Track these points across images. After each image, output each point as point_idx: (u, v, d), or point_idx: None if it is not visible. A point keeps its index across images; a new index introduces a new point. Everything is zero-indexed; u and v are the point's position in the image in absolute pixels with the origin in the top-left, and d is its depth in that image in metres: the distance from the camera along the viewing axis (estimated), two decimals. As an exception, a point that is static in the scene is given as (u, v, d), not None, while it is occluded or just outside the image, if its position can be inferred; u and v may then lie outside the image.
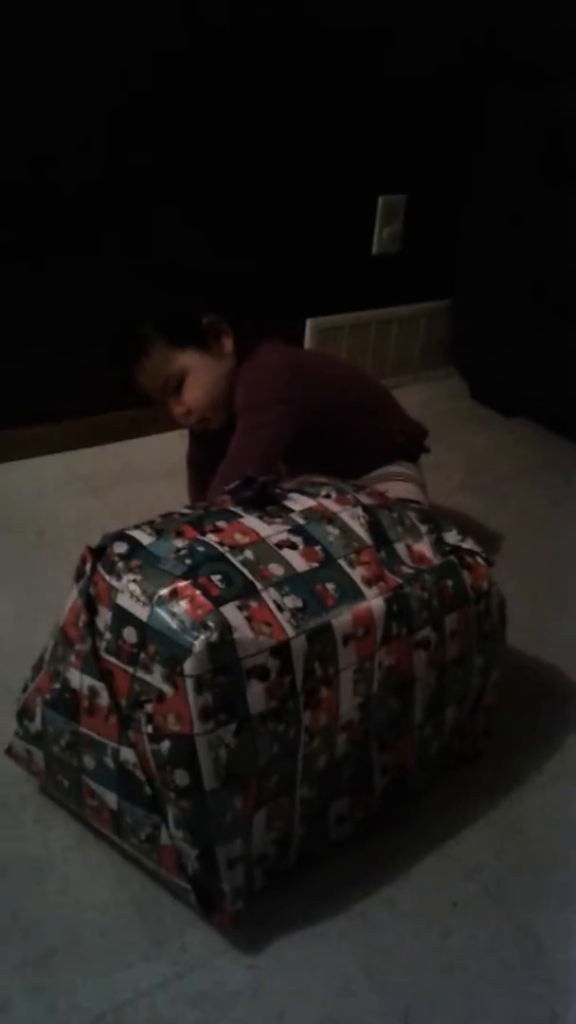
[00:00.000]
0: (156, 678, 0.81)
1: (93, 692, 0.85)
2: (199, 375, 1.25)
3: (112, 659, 0.84)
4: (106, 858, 0.93)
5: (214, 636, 0.78)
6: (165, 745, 0.80)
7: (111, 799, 0.87)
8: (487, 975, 0.86)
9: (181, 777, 0.81)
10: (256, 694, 0.80)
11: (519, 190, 1.89)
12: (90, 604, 0.86)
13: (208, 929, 0.88)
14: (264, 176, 1.78)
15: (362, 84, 1.82)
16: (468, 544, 1.01)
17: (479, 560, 1.00)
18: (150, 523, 0.90)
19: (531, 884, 0.95)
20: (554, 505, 1.71)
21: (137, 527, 0.89)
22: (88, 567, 0.86)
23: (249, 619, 0.81)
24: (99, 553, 0.86)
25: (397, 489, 1.28)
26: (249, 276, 1.72)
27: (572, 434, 1.91)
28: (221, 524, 0.89)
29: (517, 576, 1.29)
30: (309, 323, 1.96)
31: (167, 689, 0.80)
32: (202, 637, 0.78)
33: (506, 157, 1.92)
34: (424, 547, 0.97)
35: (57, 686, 0.88)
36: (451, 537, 1.01)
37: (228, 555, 0.85)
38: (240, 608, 0.81)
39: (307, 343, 1.98)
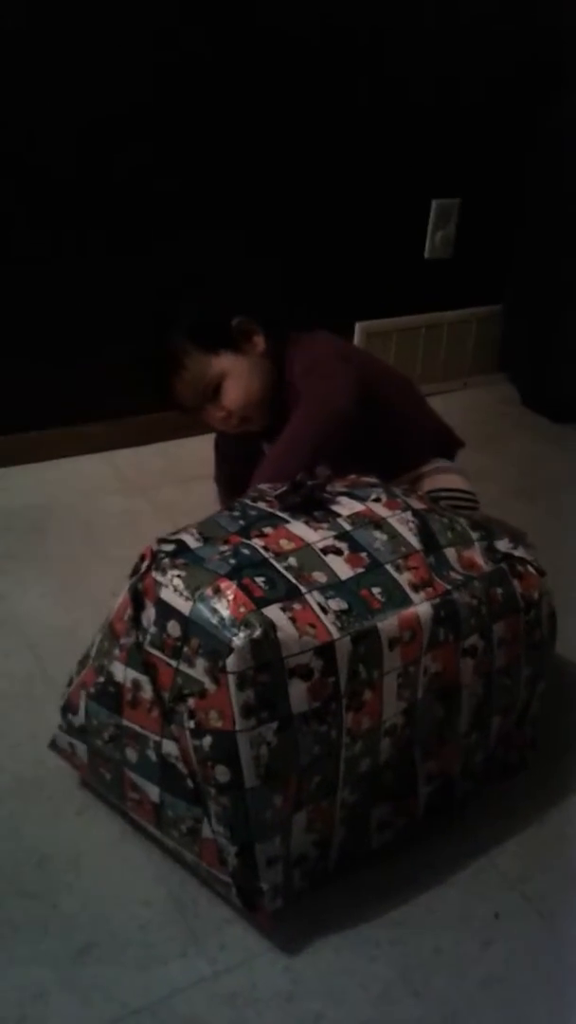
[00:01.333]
0: (199, 672, 0.81)
1: (137, 685, 0.86)
2: (236, 377, 1.25)
3: (156, 652, 0.84)
4: (146, 854, 0.94)
5: (257, 633, 0.78)
6: (207, 740, 0.80)
7: (153, 792, 0.87)
8: (528, 987, 0.85)
9: (222, 773, 0.81)
10: (299, 693, 0.80)
11: (572, 197, 1.87)
12: (137, 599, 0.86)
13: (246, 929, 0.88)
14: (317, 179, 1.78)
15: (418, 87, 1.81)
16: (520, 552, 0.99)
17: (530, 569, 0.98)
18: (199, 527, 0.90)
19: (575, 897, 0.93)
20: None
21: (186, 531, 0.90)
22: (144, 565, 0.86)
23: (293, 619, 0.81)
24: (156, 554, 0.87)
25: (446, 480, 1.27)
26: (281, 274, 1.71)
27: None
28: (267, 530, 0.89)
29: (568, 587, 1.26)
30: (358, 326, 1.95)
31: (209, 685, 0.80)
32: (243, 634, 0.78)
33: (561, 162, 1.89)
34: (475, 553, 0.96)
35: (101, 679, 0.89)
36: (503, 545, 1.00)
37: (272, 560, 0.85)
38: (283, 609, 0.81)
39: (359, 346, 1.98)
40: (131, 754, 0.88)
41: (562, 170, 1.89)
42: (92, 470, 1.69)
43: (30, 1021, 0.79)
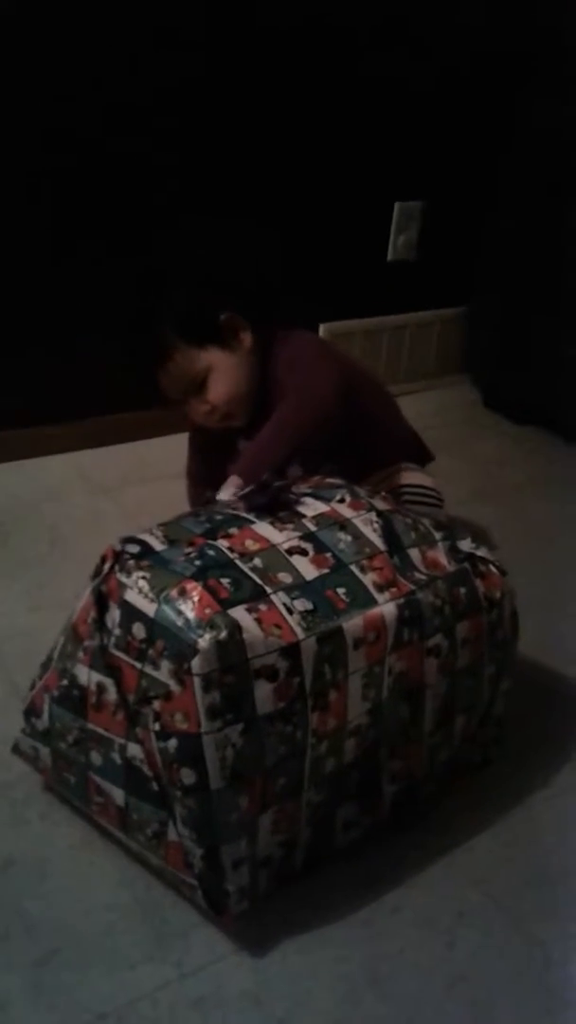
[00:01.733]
0: (164, 674, 0.80)
1: (101, 688, 0.85)
2: (221, 372, 1.24)
3: (121, 655, 0.83)
4: (111, 858, 0.93)
5: (222, 635, 0.78)
6: (172, 743, 0.80)
7: (118, 795, 0.86)
8: (494, 987, 0.85)
9: (187, 775, 0.80)
10: (264, 694, 0.80)
11: (542, 200, 1.89)
12: (101, 601, 0.86)
13: (212, 932, 0.87)
14: (279, 180, 1.78)
15: (381, 88, 1.82)
16: (482, 552, 1.00)
17: (493, 569, 0.99)
18: (163, 530, 0.90)
19: (540, 896, 0.94)
20: (567, 516, 1.70)
21: (151, 532, 0.89)
22: (107, 566, 0.86)
23: (259, 620, 0.80)
24: (118, 554, 0.86)
25: (412, 477, 1.29)
26: (263, 274, 1.71)
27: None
28: (233, 531, 0.88)
29: (529, 586, 1.27)
30: (322, 328, 1.96)
31: (175, 687, 0.79)
32: (208, 635, 0.78)
33: (529, 166, 1.91)
34: (438, 554, 0.97)
35: (65, 683, 0.88)
36: (465, 545, 1.00)
37: (238, 561, 0.85)
38: (249, 611, 0.81)
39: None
40: (96, 757, 0.87)
41: (533, 174, 1.91)
42: (57, 471, 1.67)
43: (-7, 1030, 0.78)
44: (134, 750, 0.83)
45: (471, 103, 1.94)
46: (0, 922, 0.86)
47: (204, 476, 1.36)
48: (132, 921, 0.88)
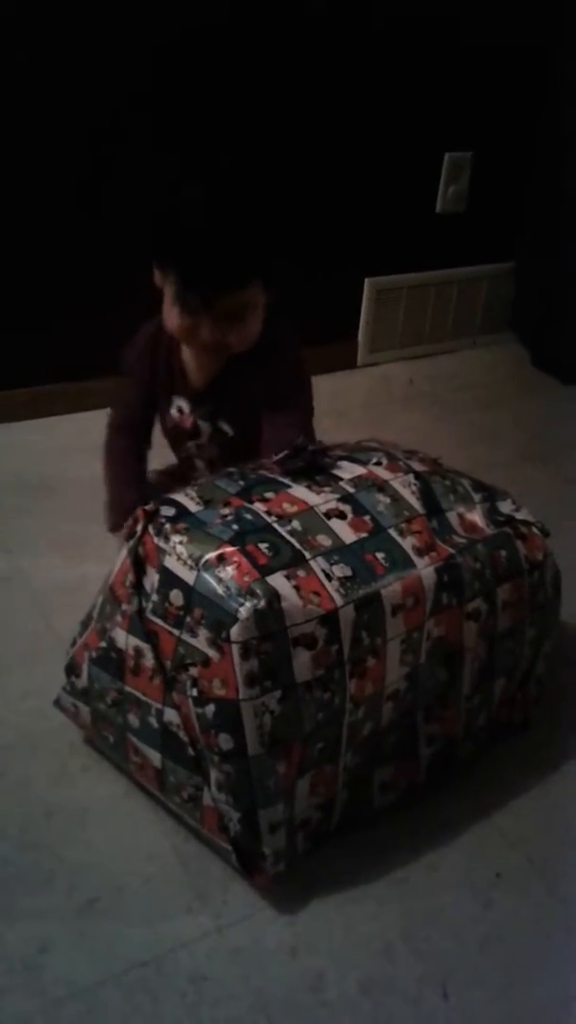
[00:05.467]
0: (201, 642, 0.81)
1: (139, 653, 0.86)
2: (257, 313, 1.13)
3: (158, 621, 0.84)
4: (151, 810, 0.95)
5: (261, 603, 0.78)
6: (210, 709, 0.81)
7: (155, 758, 0.88)
8: (528, 948, 0.86)
9: (225, 741, 0.81)
10: (302, 662, 0.80)
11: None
12: (138, 564, 0.86)
13: (250, 886, 0.89)
14: (328, 132, 1.74)
15: (430, 38, 1.76)
16: (523, 514, 0.99)
17: (534, 531, 0.97)
18: (197, 490, 0.90)
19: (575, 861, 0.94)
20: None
21: (184, 493, 0.89)
22: (140, 528, 0.86)
23: (297, 588, 0.80)
24: (151, 515, 0.86)
25: None
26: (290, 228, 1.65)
27: None
28: (268, 495, 0.88)
29: (573, 549, 1.26)
30: (367, 282, 1.92)
31: (213, 654, 0.80)
32: (248, 604, 0.78)
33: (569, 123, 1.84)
34: (477, 516, 0.95)
35: (104, 644, 0.89)
36: (505, 507, 0.99)
37: (275, 525, 0.84)
38: (288, 577, 0.81)
39: (364, 303, 1.95)
40: (133, 720, 0.88)
41: None
42: (100, 426, 1.67)
43: (34, 974, 0.80)
44: (171, 715, 0.84)
45: (520, 53, 1.87)
46: (42, 870, 0.89)
47: (129, 423, 1.25)
48: (171, 872, 0.90)
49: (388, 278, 1.94)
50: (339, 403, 1.74)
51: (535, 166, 1.95)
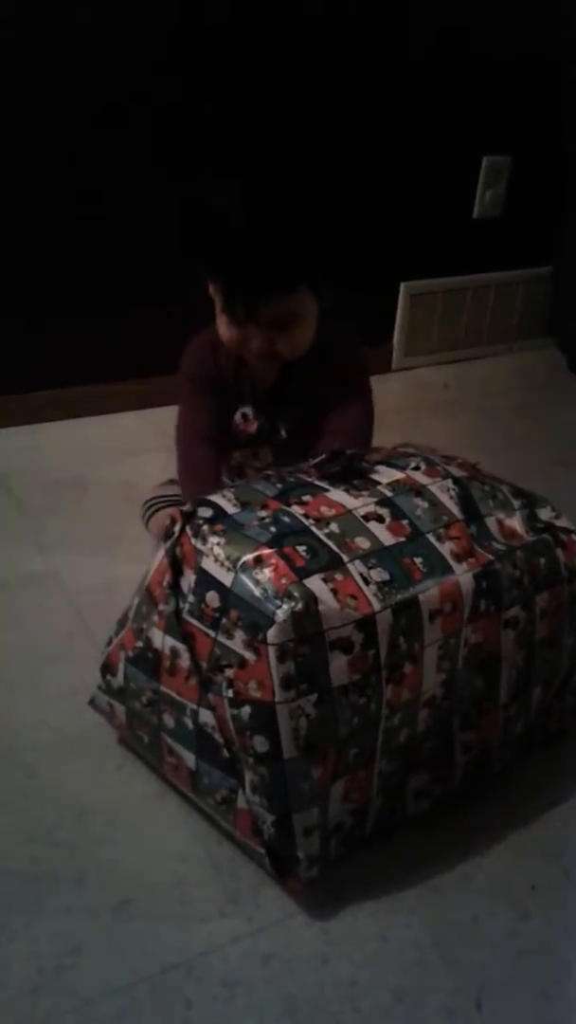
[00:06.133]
0: (237, 644, 0.81)
1: (175, 653, 0.86)
2: (308, 320, 1.14)
3: (194, 622, 0.84)
4: (185, 812, 0.95)
5: (299, 606, 0.78)
6: (246, 711, 0.81)
7: (189, 759, 0.88)
8: (564, 962, 0.84)
9: (260, 743, 0.81)
10: (339, 666, 0.79)
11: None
12: (176, 565, 0.86)
13: (283, 891, 0.88)
14: (365, 134, 1.73)
15: (470, 40, 1.75)
16: (563, 521, 0.97)
17: (574, 538, 0.96)
18: (235, 492, 0.90)
19: (613, 873, 0.93)
20: None
21: (222, 495, 0.89)
22: (177, 528, 0.86)
23: (335, 591, 0.80)
24: (188, 516, 0.86)
25: None
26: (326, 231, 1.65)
27: None
28: (306, 498, 0.88)
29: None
30: (403, 287, 1.92)
31: (249, 656, 0.80)
32: (286, 607, 0.78)
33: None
34: (516, 523, 0.94)
35: (140, 644, 0.89)
36: (545, 513, 0.98)
37: (313, 528, 0.84)
38: (325, 580, 0.80)
39: (400, 307, 1.94)
40: (168, 720, 0.88)
41: None
42: (132, 427, 1.69)
43: (67, 974, 0.80)
44: (206, 716, 0.84)
45: (561, 55, 1.85)
46: (76, 869, 0.89)
47: (209, 434, 1.22)
48: (204, 875, 0.90)
49: (424, 282, 1.94)
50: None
51: (574, 170, 1.93)
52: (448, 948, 0.85)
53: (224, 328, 1.12)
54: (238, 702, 0.81)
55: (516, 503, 0.96)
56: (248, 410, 1.21)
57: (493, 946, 0.85)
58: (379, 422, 1.26)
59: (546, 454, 1.68)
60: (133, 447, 1.62)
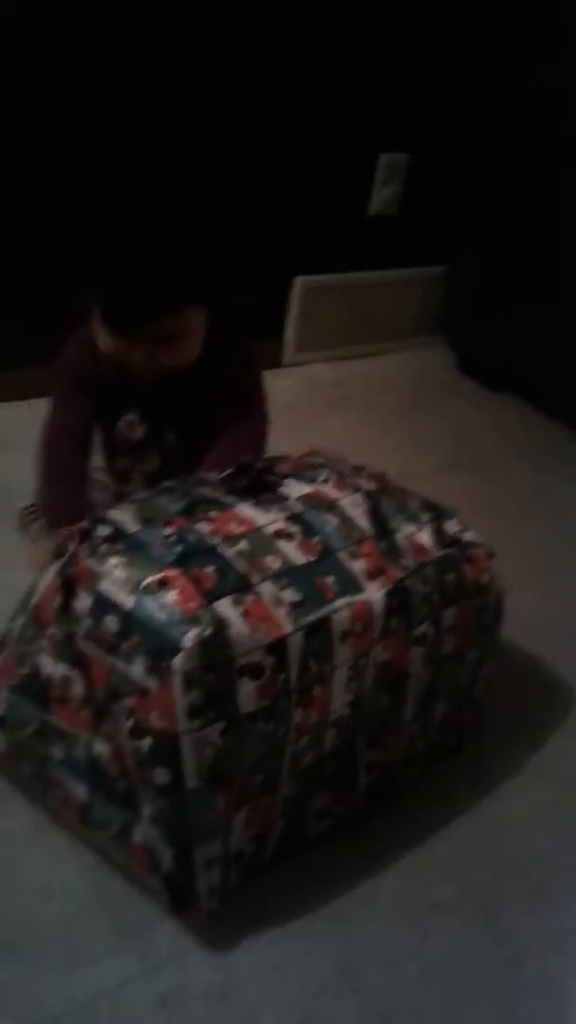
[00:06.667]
0: (138, 671, 0.75)
1: (66, 681, 0.80)
2: (193, 336, 1.10)
3: (90, 647, 0.78)
4: (70, 846, 0.88)
5: (207, 632, 0.73)
6: (146, 742, 0.75)
7: (80, 792, 0.82)
8: (469, 981, 0.84)
9: (161, 775, 0.76)
10: (247, 693, 0.75)
11: (530, 162, 1.82)
12: (68, 586, 0.80)
13: (178, 925, 0.84)
14: (261, 124, 1.68)
15: (372, 33, 1.72)
16: (469, 536, 0.96)
17: (480, 553, 0.95)
18: (136, 507, 0.84)
19: (514, 886, 0.93)
20: (542, 488, 1.67)
21: (121, 510, 0.83)
22: (71, 547, 0.80)
23: (245, 614, 0.76)
24: (84, 534, 0.80)
25: None
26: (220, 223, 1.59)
27: (561, 415, 1.87)
28: (213, 513, 0.83)
29: (503, 562, 1.25)
30: (298, 281, 1.88)
31: (151, 683, 0.75)
32: (193, 632, 0.73)
33: (522, 127, 1.84)
34: (424, 537, 0.93)
35: (26, 671, 0.83)
36: (452, 527, 0.96)
37: (221, 547, 0.79)
38: (235, 603, 0.76)
39: (295, 302, 1.91)
40: (57, 752, 0.82)
41: (525, 135, 1.84)
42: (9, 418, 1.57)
43: None
44: (100, 748, 0.79)
45: (468, 55, 1.85)
46: (-50, 914, 0.82)
47: (80, 435, 1.15)
48: (93, 912, 0.84)
49: (318, 277, 1.90)
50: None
51: (473, 171, 1.94)
52: (352, 973, 0.83)
53: (103, 340, 1.06)
54: (138, 732, 0.76)
55: (424, 517, 0.95)
56: (134, 416, 1.14)
57: (397, 968, 0.84)
58: (271, 419, 1.23)
59: (437, 457, 1.69)
60: (10, 443, 1.51)
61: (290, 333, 1.93)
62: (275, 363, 1.93)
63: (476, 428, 1.85)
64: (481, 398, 1.97)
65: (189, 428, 1.14)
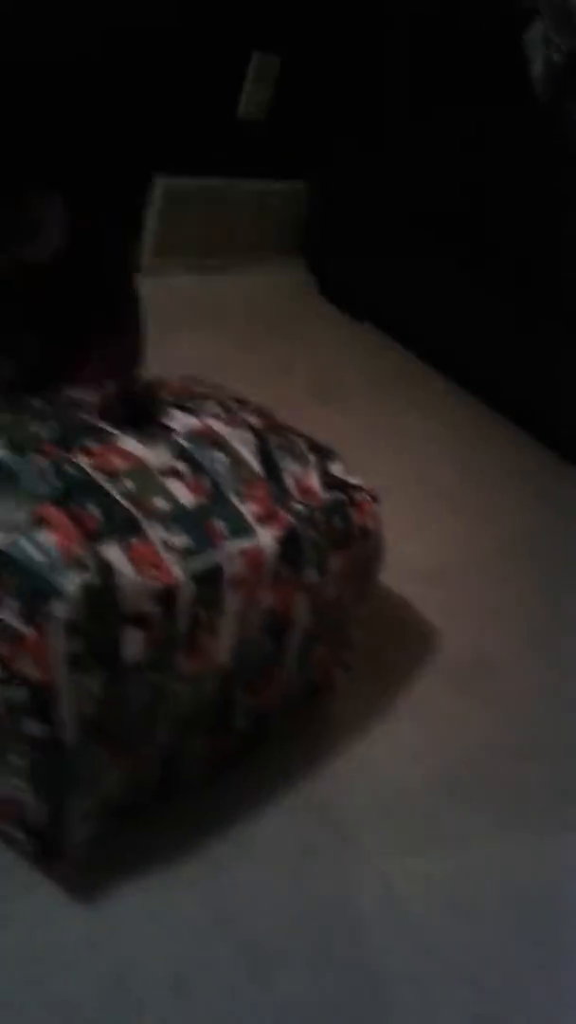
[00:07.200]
0: (11, 615, 0.68)
1: None
2: (51, 227, 1.01)
3: (-45, 588, 0.70)
4: None
5: (91, 577, 0.67)
6: (20, 692, 0.69)
7: None
8: (340, 925, 0.85)
9: (34, 727, 0.70)
10: (133, 642, 0.71)
11: (409, 78, 1.76)
12: None
13: (44, 876, 0.79)
14: (134, 9, 1.52)
15: None
16: (354, 479, 0.94)
17: (365, 497, 0.93)
18: (4, 429, 0.75)
19: (382, 827, 0.94)
20: (398, 422, 1.67)
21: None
22: None
23: (132, 559, 0.70)
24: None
25: None
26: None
27: (418, 347, 1.87)
28: (93, 446, 0.75)
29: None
30: (160, 182, 1.75)
31: (26, 630, 0.68)
32: (76, 578, 0.67)
33: (399, 42, 1.77)
34: (312, 479, 0.89)
35: None
36: (337, 469, 0.94)
37: (105, 484, 0.73)
38: (122, 547, 0.70)
39: (155, 204, 1.78)
40: None
41: (416, 52, 1.76)
42: None
43: None
44: (-34, 694, 0.71)
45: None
46: None
47: None
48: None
49: (180, 181, 1.78)
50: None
51: (346, 81, 1.85)
52: (225, 921, 0.82)
53: None
54: (8, 681, 0.69)
55: (311, 458, 0.91)
56: None
57: (270, 914, 0.83)
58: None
59: (300, 384, 1.65)
60: None
61: (149, 237, 1.81)
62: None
63: (336, 357, 1.82)
64: (341, 326, 1.93)
65: (52, 335, 1.03)
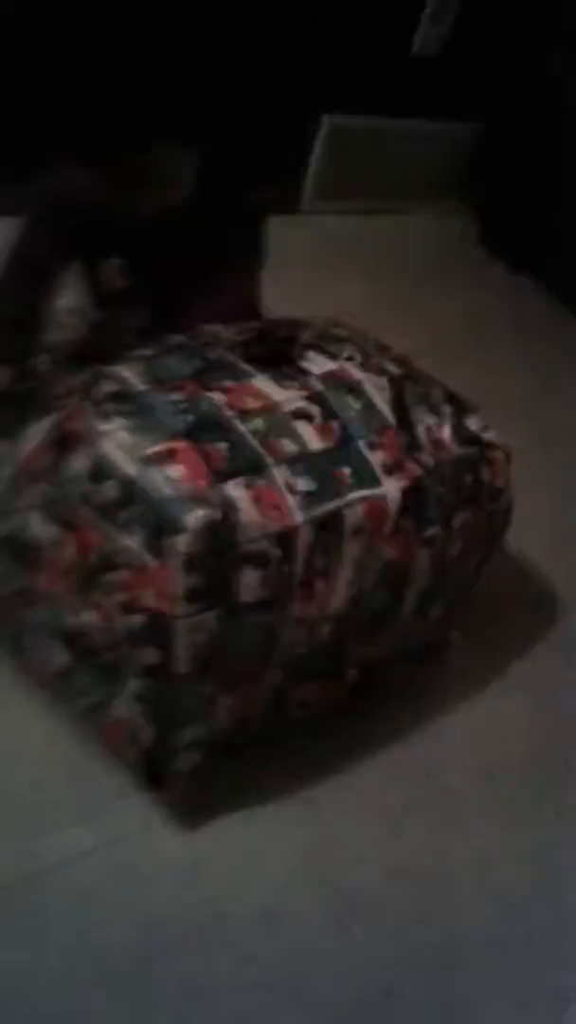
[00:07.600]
0: (136, 544, 0.70)
1: (54, 544, 0.74)
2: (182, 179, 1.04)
3: (85, 511, 0.72)
4: (41, 709, 0.84)
5: (214, 513, 0.67)
6: (138, 619, 0.71)
7: (60, 658, 0.78)
8: (433, 882, 0.84)
9: (151, 655, 0.72)
10: (250, 582, 0.71)
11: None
12: (63, 444, 0.72)
13: (148, 800, 0.81)
14: None
15: None
16: (490, 435, 0.90)
17: (499, 455, 0.89)
18: (145, 365, 0.75)
19: (487, 791, 0.93)
20: (551, 375, 1.59)
21: (126, 365, 0.75)
22: (69, 401, 0.72)
23: (256, 500, 0.70)
24: (86, 387, 0.72)
25: None
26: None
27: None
28: (229, 383, 0.75)
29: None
30: (326, 119, 1.71)
31: (149, 560, 0.69)
32: (200, 513, 0.67)
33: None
34: (445, 432, 0.86)
35: (11, 526, 0.76)
36: (473, 424, 0.90)
37: (236, 421, 0.72)
38: (246, 486, 0.70)
39: (320, 143, 1.74)
40: (38, 614, 0.77)
41: None
42: None
43: None
44: (87, 617, 0.74)
45: None
46: None
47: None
48: (62, 778, 0.81)
49: (347, 119, 1.73)
50: (275, 254, 1.57)
51: (522, 22, 1.74)
52: (320, 866, 0.82)
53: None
54: (131, 609, 0.71)
55: (447, 410, 0.88)
56: (119, 262, 1.03)
57: (365, 864, 0.84)
58: (279, 274, 1.14)
59: (446, 332, 1.59)
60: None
61: (311, 178, 1.78)
62: (291, 208, 1.78)
63: (490, 307, 1.75)
64: (499, 276, 1.85)
65: (180, 280, 1.04)
